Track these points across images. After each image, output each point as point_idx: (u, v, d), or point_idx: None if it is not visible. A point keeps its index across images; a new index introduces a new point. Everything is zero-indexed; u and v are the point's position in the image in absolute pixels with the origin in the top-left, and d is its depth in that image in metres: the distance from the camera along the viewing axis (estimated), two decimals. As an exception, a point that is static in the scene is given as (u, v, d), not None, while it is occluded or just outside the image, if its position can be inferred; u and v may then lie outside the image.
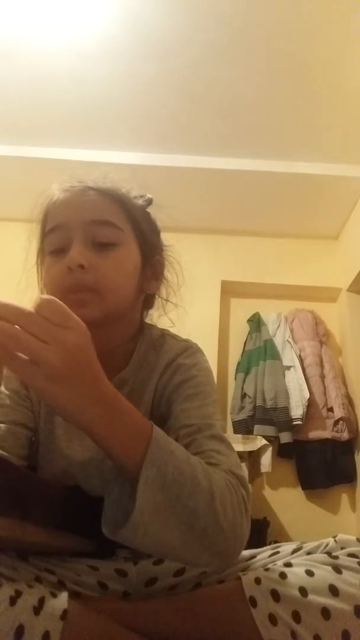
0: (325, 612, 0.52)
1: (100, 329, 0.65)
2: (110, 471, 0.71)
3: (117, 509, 0.53)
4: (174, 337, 0.82)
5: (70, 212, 0.72)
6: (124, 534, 0.49)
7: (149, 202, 0.82)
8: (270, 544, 0.73)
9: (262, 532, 2.18)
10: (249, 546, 0.60)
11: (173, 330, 0.85)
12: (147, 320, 0.85)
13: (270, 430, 2.43)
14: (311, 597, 0.53)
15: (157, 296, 0.84)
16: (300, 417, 2.46)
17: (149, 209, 0.82)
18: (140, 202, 0.80)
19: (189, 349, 0.78)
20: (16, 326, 0.43)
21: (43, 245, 0.76)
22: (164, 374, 0.75)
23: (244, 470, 2.21)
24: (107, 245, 0.70)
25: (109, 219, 0.72)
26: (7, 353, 0.43)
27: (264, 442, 2.20)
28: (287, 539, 2.38)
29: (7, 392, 0.77)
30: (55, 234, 0.72)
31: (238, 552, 0.56)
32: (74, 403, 0.47)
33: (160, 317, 0.86)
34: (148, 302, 0.84)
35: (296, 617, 0.52)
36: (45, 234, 0.75)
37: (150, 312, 0.86)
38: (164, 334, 0.82)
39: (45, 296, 0.45)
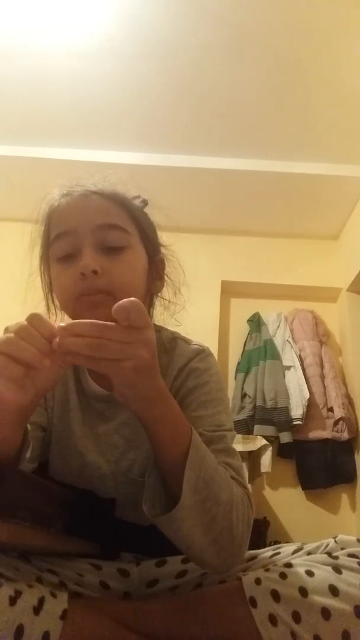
0: (326, 613, 0.52)
1: None
2: (124, 474, 0.72)
3: (154, 492, 0.58)
4: (186, 340, 0.81)
5: (76, 218, 0.71)
6: (160, 522, 0.55)
7: (146, 202, 0.82)
8: (270, 544, 0.74)
9: (262, 532, 2.18)
10: (249, 546, 0.61)
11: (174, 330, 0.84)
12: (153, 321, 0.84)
13: (270, 430, 2.43)
14: (311, 597, 0.53)
15: (157, 296, 0.84)
16: (300, 417, 2.46)
17: (145, 210, 0.82)
18: (138, 202, 0.80)
19: (201, 352, 0.78)
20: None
21: (47, 251, 0.76)
22: (177, 378, 0.75)
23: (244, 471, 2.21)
24: (117, 249, 0.70)
25: (117, 222, 0.72)
26: (94, 359, 0.47)
27: (264, 442, 2.20)
28: (287, 539, 2.38)
29: None
30: (63, 240, 0.71)
31: (240, 560, 0.61)
32: (149, 395, 0.52)
33: (165, 318, 0.86)
34: (151, 303, 0.84)
35: (296, 617, 0.52)
36: (50, 241, 0.74)
37: (156, 312, 0.85)
38: (175, 337, 0.81)
39: (127, 301, 0.47)
